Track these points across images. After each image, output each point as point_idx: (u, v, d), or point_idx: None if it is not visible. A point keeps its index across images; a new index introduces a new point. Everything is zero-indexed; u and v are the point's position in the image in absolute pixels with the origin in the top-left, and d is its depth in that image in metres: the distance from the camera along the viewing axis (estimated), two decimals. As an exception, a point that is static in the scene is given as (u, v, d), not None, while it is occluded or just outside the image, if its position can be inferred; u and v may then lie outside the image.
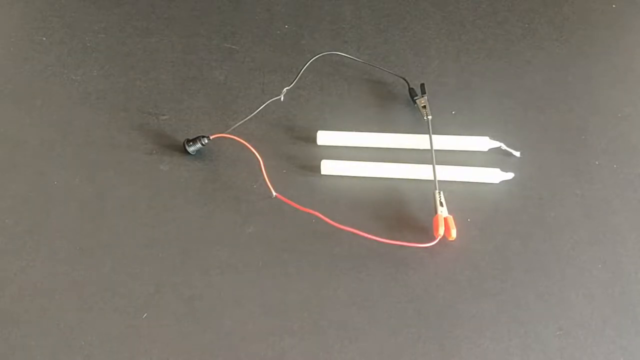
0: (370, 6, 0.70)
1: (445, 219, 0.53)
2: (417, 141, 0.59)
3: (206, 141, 0.58)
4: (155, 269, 0.52)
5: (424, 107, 0.60)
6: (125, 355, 0.48)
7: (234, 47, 0.67)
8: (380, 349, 0.49)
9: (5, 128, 0.59)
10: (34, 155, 0.59)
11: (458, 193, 0.56)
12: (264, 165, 0.55)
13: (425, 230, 0.54)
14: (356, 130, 0.60)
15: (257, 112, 0.58)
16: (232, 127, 0.56)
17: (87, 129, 0.58)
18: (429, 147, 0.58)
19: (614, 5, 0.71)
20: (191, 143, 0.58)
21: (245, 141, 0.57)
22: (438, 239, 0.53)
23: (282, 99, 0.60)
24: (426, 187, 0.56)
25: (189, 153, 0.58)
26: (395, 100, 0.63)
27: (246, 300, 0.51)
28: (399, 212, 0.56)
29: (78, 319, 0.50)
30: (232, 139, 0.56)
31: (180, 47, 0.65)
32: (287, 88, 0.61)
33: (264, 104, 0.61)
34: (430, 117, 0.59)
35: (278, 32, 0.68)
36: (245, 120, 0.57)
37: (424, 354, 0.49)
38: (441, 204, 0.54)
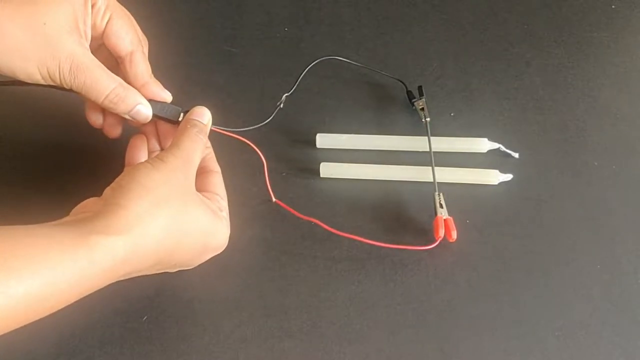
0: (369, 9, 0.70)
1: (445, 220, 0.54)
2: (416, 143, 0.60)
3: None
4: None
5: (422, 109, 0.60)
6: (125, 358, 0.49)
7: (233, 49, 0.67)
8: (379, 351, 0.49)
9: (5, 130, 0.60)
10: (35, 156, 0.59)
11: (457, 195, 0.56)
12: (270, 170, 0.55)
13: (425, 232, 0.55)
14: (355, 133, 0.60)
15: (263, 119, 0.59)
16: (241, 129, 0.56)
17: (87, 131, 0.59)
18: (427, 149, 0.58)
19: (613, 6, 0.71)
20: None
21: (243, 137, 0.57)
22: (438, 241, 0.53)
23: (281, 105, 0.60)
24: (426, 189, 0.56)
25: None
26: (395, 103, 0.63)
27: (245, 303, 0.51)
28: (398, 214, 0.56)
29: (77, 322, 0.50)
30: (234, 141, 0.57)
31: (179, 50, 0.66)
32: (286, 94, 0.61)
33: (262, 106, 0.61)
34: (428, 119, 0.59)
35: (277, 35, 0.68)
36: (256, 127, 0.58)
37: (423, 355, 0.49)
38: (441, 206, 0.54)
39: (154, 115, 0.52)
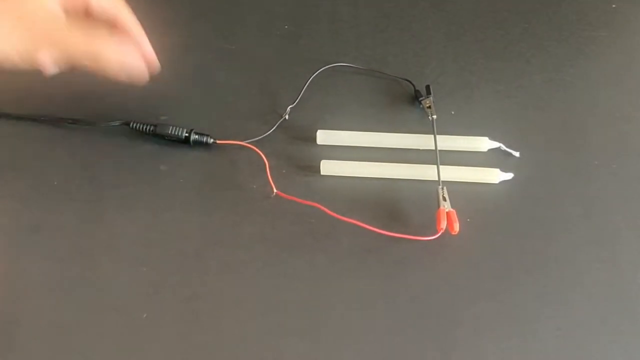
0: (368, 6, 0.70)
1: (448, 213, 0.53)
2: (417, 141, 0.60)
3: (211, 141, 0.58)
4: (154, 269, 0.52)
5: (429, 107, 0.60)
6: (124, 355, 0.48)
7: (232, 47, 0.67)
8: (380, 348, 0.49)
9: (5, 128, 0.60)
10: (34, 155, 0.59)
11: (457, 193, 0.56)
12: (269, 167, 0.55)
13: (426, 230, 0.54)
14: (356, 130, 0.60)
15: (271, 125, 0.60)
16: (248, 140, 0.58)
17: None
18: (429, 147, 0.58)
19: (613, 5, 0.71)
20: (196, 136, 0.58)
21: (243, 141, 0.58)
22: (440, 233, 0.52)
23: (287, 117, 0.60)
24: (427, 188, 0.56)
25: (188, 143, 0.58)
26: (396, 101, 0.63)
27: (245, 300, 0.51)
28: (399, 212, 0.56)
29: (77, 319, 0.50)
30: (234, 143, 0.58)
31: (178, 47, 0.65)
32: (290, 106, 0.61)
33: (262, 104, 0.61)
34: (435, 116, 0.59)
35: (277, 32, 0.68)
36: (263, 137, 0.59)
37: (423, 353, 0.49)
38: (444, 199, 0.54)
39: (166, 136, 0.58)
